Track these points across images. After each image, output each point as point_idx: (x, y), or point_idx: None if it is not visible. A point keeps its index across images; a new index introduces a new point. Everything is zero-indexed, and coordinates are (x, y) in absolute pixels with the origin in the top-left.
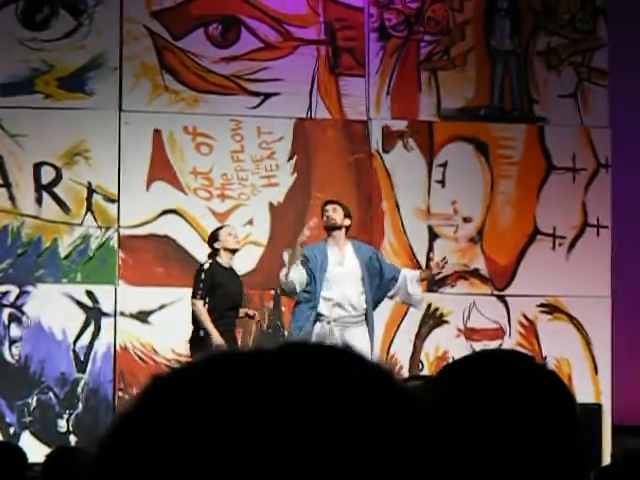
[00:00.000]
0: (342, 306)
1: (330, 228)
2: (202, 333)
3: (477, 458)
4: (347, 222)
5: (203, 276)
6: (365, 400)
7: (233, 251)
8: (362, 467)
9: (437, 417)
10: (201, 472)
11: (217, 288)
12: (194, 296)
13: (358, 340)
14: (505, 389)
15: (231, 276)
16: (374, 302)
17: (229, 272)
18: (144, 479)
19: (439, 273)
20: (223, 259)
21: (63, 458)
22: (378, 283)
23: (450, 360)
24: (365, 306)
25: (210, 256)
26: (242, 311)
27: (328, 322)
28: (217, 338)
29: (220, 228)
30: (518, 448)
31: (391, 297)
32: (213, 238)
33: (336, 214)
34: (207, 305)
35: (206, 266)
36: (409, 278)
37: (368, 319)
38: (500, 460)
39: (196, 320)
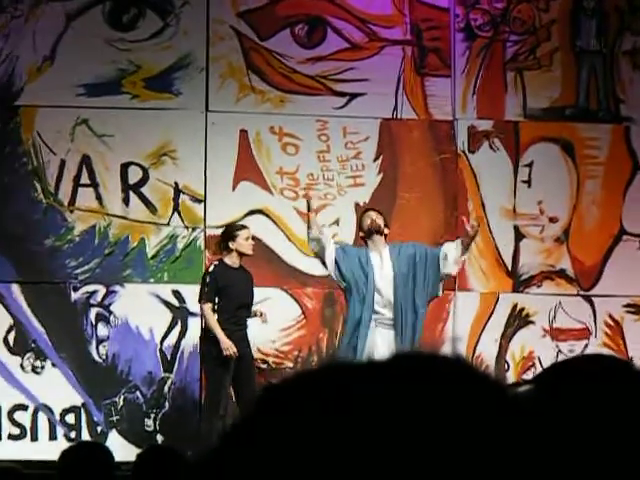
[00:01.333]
0: (379, 308)
1: (374, 232)
2: (211, 334)
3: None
4: (387, 230)
5: (208, 279)
6: (482, 414)
7: (244, 254)
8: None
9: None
10: None
11: (225, 289)
12: (200, 300)
13: (387, 342)
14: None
15: (240, 275)
16: (429, 295)
17: (237, 272)
18: None
19: (475, 233)
20: (232, 259)
21: (154, 457)
22: (431, 273)
23: (536, 361)
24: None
25: (218, 259)
26: (253, 310)
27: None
28: (225, 342)
29: (239, 228)
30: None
31: (447, 276)
32: (229, 236)
33: (379, 219)
34: (217, 306)
35: (211, 269)
36: (447, 250)
37: (396, 324)
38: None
39: (206, 328)
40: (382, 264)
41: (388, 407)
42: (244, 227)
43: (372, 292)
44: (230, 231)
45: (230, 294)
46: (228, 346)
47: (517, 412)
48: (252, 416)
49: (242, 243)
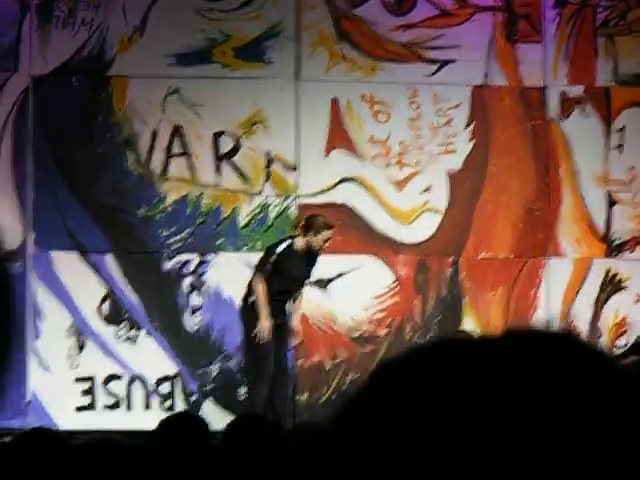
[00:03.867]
0: None
1: None
2: (251, 300)
3: None
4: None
5: (273, 258)
6: (603, 389)
7: (312, 249)
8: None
9: None
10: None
11: (283, 271)
12: (257, 273)
13: None
14: None
15: (301, 262)
16: None
17: (301, 257)
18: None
19: None
20: (301, 245)
21: (245, 426)
22: None
23: (629, 327)
24: None
25: (290, 237)
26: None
27: None
28: (264, 324)
29: (327, 227)
30: None
31: None
32: (315, 227)
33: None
34: (269, 282)
35: (279, 249)
36: None
37: None
38: None
39: (250, 287)
40: None
41: (504, 383)
42: (331, 227)
43: None
44: (319, 224)
45: (286, 277)
46: (266, 328)
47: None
48: (368, 392)
49: (320, 241)
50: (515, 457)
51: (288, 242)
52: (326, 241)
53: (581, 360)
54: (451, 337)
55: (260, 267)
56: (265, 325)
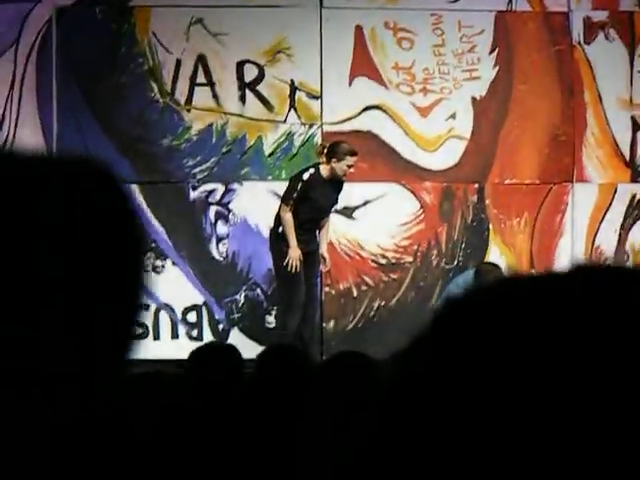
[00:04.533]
0: None
1: None
2: (280, 229)
3: None
4: None
5: (300, 186)
6: None
7: (336, 175)
8: None
9: None
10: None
11: (310, 200)
12: (285, 202)
13: None
14: None
15: (327, 189)
16: None
17: (326, 184)
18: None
19: None
20: (326, 171)
21: (277, 356)
22: None
23: None
24: None
25: (315, 165)
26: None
27: None
28: (294, 252)
29: (351, 154)
30: None
31: None
32: (338, 153)
33: None
34: (297, 211)
35: (305, 176)
36: None
37: None
38: None
39: (278, 217)
40: None
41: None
42: (355, 153)
43: None
44: (342, 151)
45: (313, 205)
46: (295, 257)
47: None
48: (435, 331)
49: (343, 167)
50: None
51: (312, 170)
52: (350, 167)
53: None
54: (517, 276)
55: (286, 197)
56: (295, 254)
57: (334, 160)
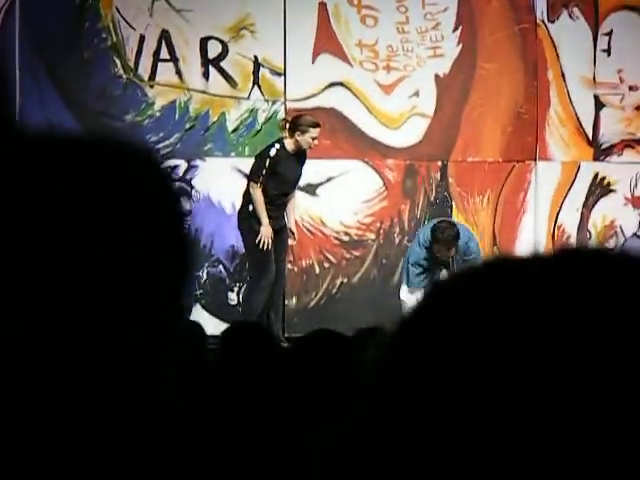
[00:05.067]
0: None
1: None
2: (251, 208)
3: None
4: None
5: (267, 162)
6: None
7: (301, 148)
8: None
9: None
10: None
11: (278, 174)
12: (254, 180)
13: None
14: None
15: (293, 163)
16: None
17: (292, 158)
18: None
19: None
20: (291, 145)
21: (243, 333)
22: None
23: (618, 229)
24: None
25: (279, 140)
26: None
27: None
28: (266, 229)
29: (314, 125)
30: None
31: None
32: (301, 126)
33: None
34: (266, 187)
35: (272, 152)
36: None
37: None
38: None
39: (248, 195)
40: None
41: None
42: (318, 125)
43: None
44: (305, 123)
45: (281, 180)
46: (267, 234)
47: None
48: (426, 311)
49: (308, 140)
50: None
51: (278, 145)
52: (314, 139)
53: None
54: (504, 259)
55: (255, 174)
56: (267, 232)
57: (298, 133)
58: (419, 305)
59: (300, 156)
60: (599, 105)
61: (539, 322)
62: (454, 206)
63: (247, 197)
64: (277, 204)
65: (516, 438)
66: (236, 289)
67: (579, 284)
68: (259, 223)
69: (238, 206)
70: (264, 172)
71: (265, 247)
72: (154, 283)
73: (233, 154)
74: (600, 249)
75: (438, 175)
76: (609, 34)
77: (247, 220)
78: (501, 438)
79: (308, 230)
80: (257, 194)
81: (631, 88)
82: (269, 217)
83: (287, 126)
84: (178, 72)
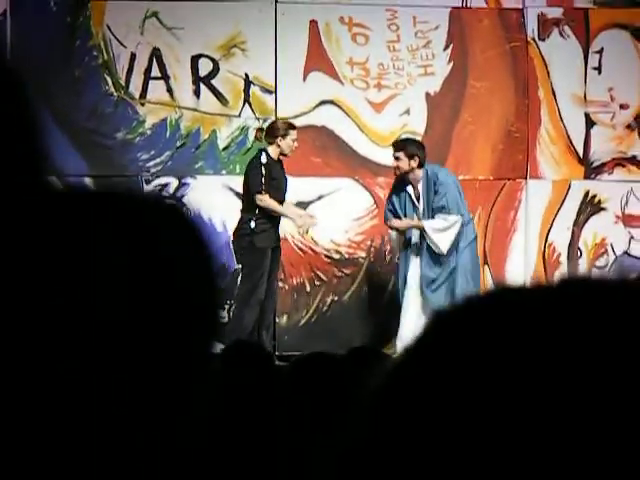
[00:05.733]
0: None
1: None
2: (253, 224)
3: None
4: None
5: (263, 170)
6: None
7: (284, 154)
8: None
9: None
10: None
11: (273, 181)
12: (258, 191)
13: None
14: None
15: (280, 170)
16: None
17: (278, 165)
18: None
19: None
20: (274, 153)
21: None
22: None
23: (608, 247)
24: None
25: (262, 150)
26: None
27: None
28: (301, 216)
29: (292, 127)
30: None
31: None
32: (280, 131)
33: (401, 163)
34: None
35: (263, 159)
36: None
37: None
38: None
39: (249, 212)
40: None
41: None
42: (294, 127)
43: None
44: (282, 127)
45: (275, 186)
46: (307, 219)
47: None
48: (430, 340)
49: (290, 143)
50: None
51: (264, 153)
52: (294, 141)
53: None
54: (506, 288)
55: (256, 185)
56: (305, 218)
57: (279, 139)
58: (421, 335)
59: (281, 163)
60: (590, 123)
61: (539, 357)
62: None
63: (248, 214)
64: (272, 216)
65: (513, 469)
66: (227, 307)
67: (581, 318)
68: (262, 239)
69: (231, 224)
70: (263, 180)
71: (308, 230)
72: (187, 330)
73: (224, 172)
74: (601, 279)
75: None
76: (600, 52)
77: (248, 236)
78: (499, 473)
79: (299, 248)
80: (268, 200)
81: (622, 106)
82: (263, 231)
83: (264, 135)
84: (169, 90)
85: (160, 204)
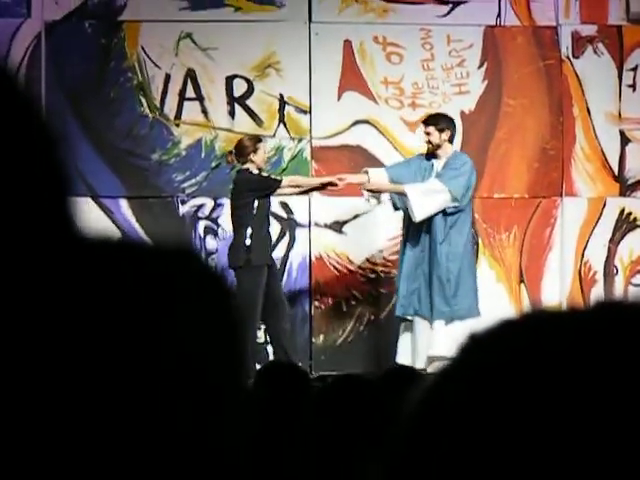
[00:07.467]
0: None
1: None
2: (248, 242)
3: None
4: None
5: (260, 172)
6: None
7: (260, 168)
8: None
9: None
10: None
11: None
12: (274, 188)
13: None
14: None
15: None
16: None
17: None
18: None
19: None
20: (254, 168)
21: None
22: None
23: None
24: None
25: (243, 169)
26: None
27: None
28: (326, 181)
29: (259, 141)
30: None
31: None
32: (251, 149)
33: (432, 137)
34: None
35: (253, 170)
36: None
37: None
38: None
39: (241, 226)
40: None
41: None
42: (260, 140)
43: None
44: (250, 143)
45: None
46: (343, 179)
47: None
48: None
49: (262, 156)
50: None
51: (246, 169)
52: (265, 153)
53: None
54: (541, 312)
55: (270, 184)
56: (327, 179)
57: (251, 155)
58: (458, 359)
59: None
60: (625, 140)
61: (579, 383)
62: (480, 242)
63: (242, 230)
64: (266, 230)
65: None
66: (264, 327)
67: (617, 346)
68: (258, 257)
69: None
70: (265, 174)
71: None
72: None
73: None
74: (636, 303)
75: None
76: (634, 69)
77: (245, 254)
78: None
79: (334, 267)
80: (286, 188)
81: None
82: (264, 251)
83: (236, 157)
84: (204, 111)
85: (206, 268)
